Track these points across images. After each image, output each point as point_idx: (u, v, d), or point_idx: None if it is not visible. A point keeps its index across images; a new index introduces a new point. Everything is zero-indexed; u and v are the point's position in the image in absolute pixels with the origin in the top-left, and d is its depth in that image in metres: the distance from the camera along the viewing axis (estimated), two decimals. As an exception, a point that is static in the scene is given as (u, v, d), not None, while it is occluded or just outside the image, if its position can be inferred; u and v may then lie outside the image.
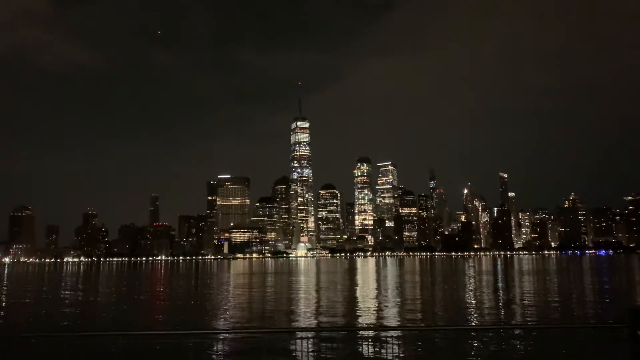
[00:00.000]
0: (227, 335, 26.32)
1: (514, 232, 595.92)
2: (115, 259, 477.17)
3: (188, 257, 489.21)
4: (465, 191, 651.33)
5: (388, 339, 21.69)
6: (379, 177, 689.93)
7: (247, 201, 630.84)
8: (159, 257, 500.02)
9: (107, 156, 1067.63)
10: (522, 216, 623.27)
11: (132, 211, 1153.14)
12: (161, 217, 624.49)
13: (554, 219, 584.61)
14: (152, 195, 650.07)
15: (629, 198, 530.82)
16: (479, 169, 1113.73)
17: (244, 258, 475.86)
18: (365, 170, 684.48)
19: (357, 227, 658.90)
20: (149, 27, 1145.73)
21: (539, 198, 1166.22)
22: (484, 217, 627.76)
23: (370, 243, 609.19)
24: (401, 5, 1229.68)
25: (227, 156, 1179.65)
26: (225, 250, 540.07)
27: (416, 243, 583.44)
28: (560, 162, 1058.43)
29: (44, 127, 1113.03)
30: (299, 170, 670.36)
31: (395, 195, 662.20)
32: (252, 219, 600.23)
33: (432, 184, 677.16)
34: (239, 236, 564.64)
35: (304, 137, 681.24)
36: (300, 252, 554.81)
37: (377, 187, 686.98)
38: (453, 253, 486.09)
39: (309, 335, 23.70)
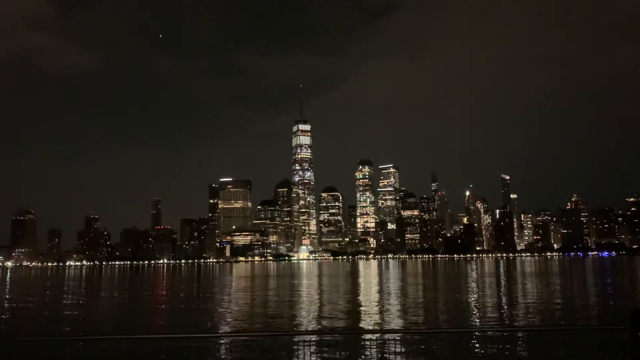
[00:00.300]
0: (230, 338, 26.31)
1: (516, 234, 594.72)
2: (117, 262, 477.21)
3: (190, 261, 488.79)
4: (467, 193, 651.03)
5: (390, 341, 21.65)
6: (381, 179, 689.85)
7: (249, 204, 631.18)
8: (161, 261, 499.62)
9: (107, 158, 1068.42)
10: (524, 218, 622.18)
11: (133, 214, 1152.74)
12: (163, 221, 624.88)
13: (556, 220, 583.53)
14: (154, 198, 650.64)
15: (632, 199, 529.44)
16: (480, 169, 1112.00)
17: (246, 261, 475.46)
18: (367, 173, 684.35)
19: (359, 230, 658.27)
20: (149, 29, 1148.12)
21: (541, 199, 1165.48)
22: (486, 219, 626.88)
23: (372, 246, 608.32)
24: (401, 6, 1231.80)
25: (228, 159, 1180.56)
26: (227, 253, 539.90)
27: (418, 245, 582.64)
28: (561, 163, 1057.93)
29: (44, 129, 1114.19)
30: (301, 172, 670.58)
31: (397, 198, 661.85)
32: (254, 222, 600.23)
33: (434, 186, 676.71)
34: (241, 239, 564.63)
35: (305, 139, 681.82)
36: (302, 255, 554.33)
37: (378, 189, 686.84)
38: (455, 255, 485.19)
39: (312, 339, 23.68)
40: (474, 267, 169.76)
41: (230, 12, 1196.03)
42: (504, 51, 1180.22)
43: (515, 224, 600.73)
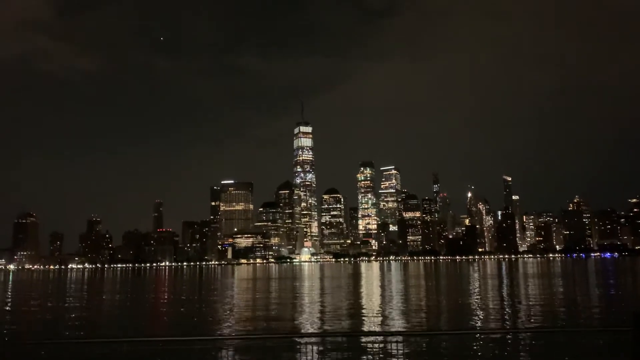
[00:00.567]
0: (232, 341, 26.32)
1: (518, 235, 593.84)
2: (119, 265, 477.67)
3: (192, 263, 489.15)
4: (469, 195, 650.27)
5: (393, 343, 21.64)
6: (382, 181, 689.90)
7: (251, 206, 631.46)
8: (163, 263, 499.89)
9: (107, 158, 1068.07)
10: (526, 219, 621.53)
11: (135, 217, 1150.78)
12: (165, 223, 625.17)
13: (558, 221, 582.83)
14: (155, 201, 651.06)
15: (634, 200, 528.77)
16: (481, 170, 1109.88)
17: (247, 263, 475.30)
18: (369, 175, 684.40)
19: (360, 232, 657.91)
20: (149, 29, 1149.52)
21: (541, 200, 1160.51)
22: (488, 220, 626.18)
23: (374, 247, 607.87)
24: (401, 8, 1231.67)
25: (229, 161, 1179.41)
26: (229, 255, 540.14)
27: (420, 247, 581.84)
28: (562, 163, 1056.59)
29: (44, 129, 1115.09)
30: (302, 175, 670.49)
31: (399, 200, 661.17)
32: (256, 224, 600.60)
33: (435, 187, 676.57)
34: (243, 241, 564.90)
35: (306, 141, 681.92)
36: (304, 257, 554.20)
37: (380, 191, 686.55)
38: (457, 257, 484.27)
39: (314, 341, 23.69)
40: (476, 268, 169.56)
41: (230, 12, 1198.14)
42: (504, 51, 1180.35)
43: (518, 225, 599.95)
